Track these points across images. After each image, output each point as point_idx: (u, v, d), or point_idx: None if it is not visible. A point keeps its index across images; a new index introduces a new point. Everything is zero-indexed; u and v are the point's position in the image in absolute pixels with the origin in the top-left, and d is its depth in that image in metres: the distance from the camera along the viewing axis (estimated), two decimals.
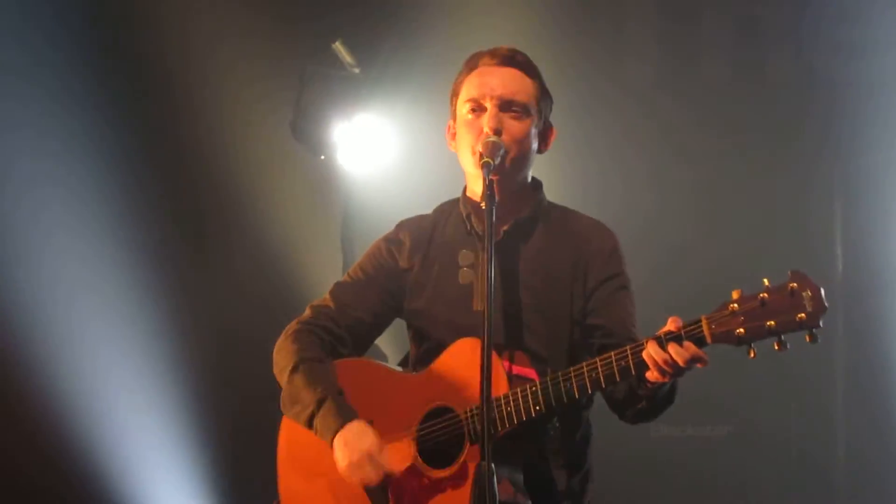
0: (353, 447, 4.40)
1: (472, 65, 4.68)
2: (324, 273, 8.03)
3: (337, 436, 4.43)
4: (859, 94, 8.22)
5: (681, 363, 3.91)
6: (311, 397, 4.54)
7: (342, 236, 8.51)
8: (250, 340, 7.06)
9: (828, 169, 8.52)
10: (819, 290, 3.77)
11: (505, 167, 4.49)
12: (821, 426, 8.31)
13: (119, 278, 7.87)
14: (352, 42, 8.43)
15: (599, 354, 4.28)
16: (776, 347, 3.82)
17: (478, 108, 4.57)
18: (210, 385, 8.08)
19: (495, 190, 4.36)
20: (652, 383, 4.09)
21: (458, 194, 4.81)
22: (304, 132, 8.39)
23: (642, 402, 4.26)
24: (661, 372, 3.96)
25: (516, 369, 4.35)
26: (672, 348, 3.93)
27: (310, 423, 4.53)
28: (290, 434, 4.75)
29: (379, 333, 4.90)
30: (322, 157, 8.50)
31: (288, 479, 4.76)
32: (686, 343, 3.93)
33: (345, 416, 4.47)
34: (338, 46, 8.37)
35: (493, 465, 3.86)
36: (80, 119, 7.77)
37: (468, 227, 4.67)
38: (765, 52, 8.65)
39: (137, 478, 7.82)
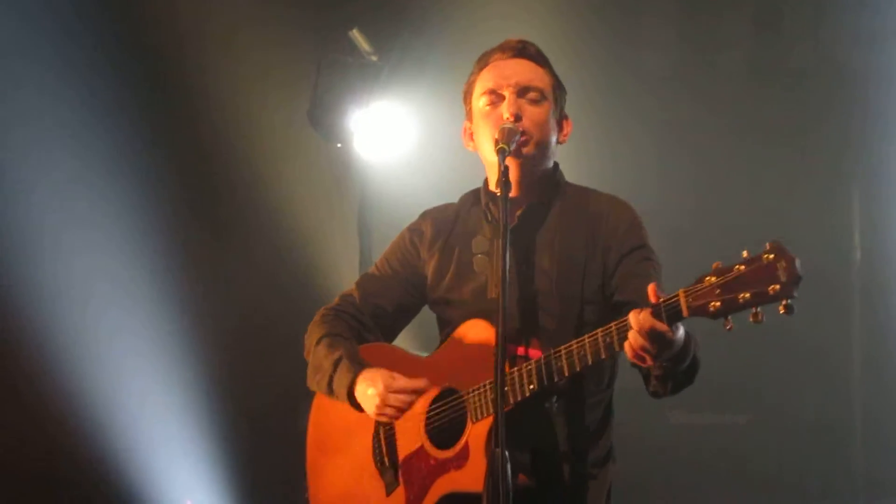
0: (375, 386, 4.47)
1: (483, 62, 4.68)
2: (341, 261, 8.04)
3: (356, 389, 4.52)
4: (879, 83, 8.20)
5: (647, 331, 3.85)
6: (328, 362, 4.62)
7: (359, 224, 8.50)
8: (269, 328, 7.10)
9: (846, 159, 8.51)
10: (794, 260, 3.64)
11: (526, 152, 4.49)
12: (840, 413, 8.31)
13: (137, 269, 7.89)
14: (369, 30, 8.42)
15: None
16: (751, 319, 3.71)
17: (496, 99, 4.57)
18: (229, 373, 8.09)
19: (515, 174, 4.39)
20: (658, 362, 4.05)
21: (475, 183, 4.82)
22: (321, 120, 8.38)
23: (654, 380, 4.21)
24: (635, 347, 3.92)
25: (531, 352, 4.34)
26: (643, 317, 3.87)
27: (330, 388, 4.62)
28: (317, 421, 4.86)
29: (406, 322, 4.95)
30: (339, 145, 8.50)
31: (314, 465, 4.86)
32: (648, 317, 3.87)
33: (356, 368, 4.55)
34: (355, 34, 8.37)
35: (506, 453, 3.86)
36: (97, 109, 7.77)
37: (488, 216, 4.67)
38: (784, 43, 8.64)
39: (156, 470, 7.84)
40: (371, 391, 4.47)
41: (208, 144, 8.30)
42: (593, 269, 4.52)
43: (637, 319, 3.88)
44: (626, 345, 3.94)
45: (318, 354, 4.69)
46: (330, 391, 4.61)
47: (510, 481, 3.86)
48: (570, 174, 4.78)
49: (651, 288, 3.89)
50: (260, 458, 7.87)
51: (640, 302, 4.21)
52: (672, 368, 4.10)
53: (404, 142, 8.52)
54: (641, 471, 7.86)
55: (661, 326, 3.86)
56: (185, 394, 7.98)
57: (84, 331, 7.67)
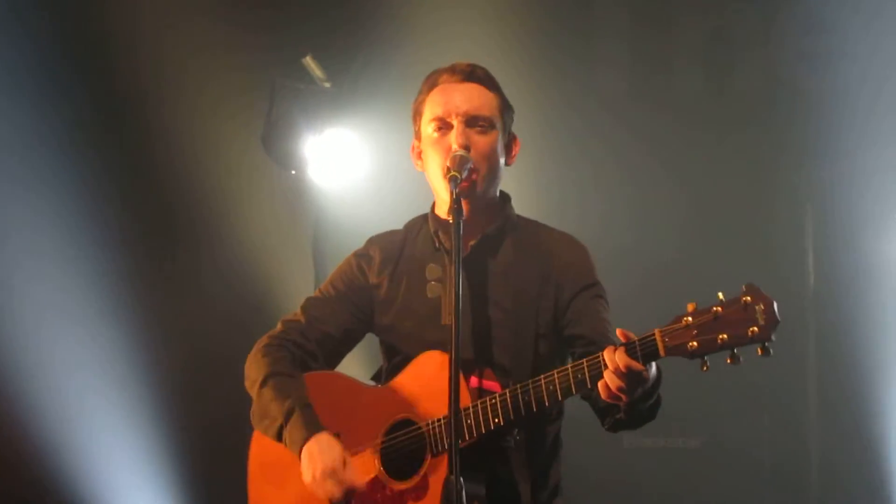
0: (317, 462, 4.41)
1: (432, 83, 4.67)
2: (295, 287, 8.02)
3: (304, 448, 4.45)
4: (827, 103, 8.24)
5: (623, 369, 3.88)
6: (279, 410, 4.55)
7: (314, 251, 8.50)
8: (221, 355, 7.04)
9: (798, 177, 8.54)
10: (772, 304, 3.73)
11: (476, 185, 4.50)
12: (793, 437, 8.32)
13: (88, 294, 7.83)
14: (322, 56, 8.42)
15: None
16: (728, 361, 3.79)
17: (444, 126, 4.57)
18: (181, 400, 8.04)
19: (465, 205, 4.38)
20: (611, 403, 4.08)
21: (428, 208, 4.81)
22: (275, 146, 8.37)
23: (620, 412, 4.23)
24: (615, 385, 3.94)
25: (485, 383, 4.34)
26: (619, 356, 3.90)
27: (279, 436, 4.56)
28: (261, 448, 4.77)
29: (350, 348, 4.91)
30: (293, 172, 8.49)
31: (258, 492, 4.78)
32: (623, 356, 3.90)
33: (311, 428, 4.48)
34: (308, 61, 8.37)
35: (461, 480, 3.86)
36: (49, 133, 7.72)
37: (436, 244, 4.67)
38: (734, 61, 8.68)
39: (108, 495, 7.78)
40: (312, 466, 4.42)
41: (161, 170, 8.25)
42: (545, 305, 4.55)
43: (612, 358, 3.91)
44: (602, 384, 3.96)
45: (264, 397, 4.62)
46: (278, 439, 4.57)
47: None
48: (532, 197, 4.81)
49: (620, 332, 3.94)
50: (213, 482, 7.84)
51: (591, 336, 4.32)
52: (639, 404, 4.12)
53: (358, 168, 8.52)
54: (596, 494, 7.87)
55: (637, 365, 3.89)
56: (139, 420, 7.93)
57: (37, 360, 7.60)
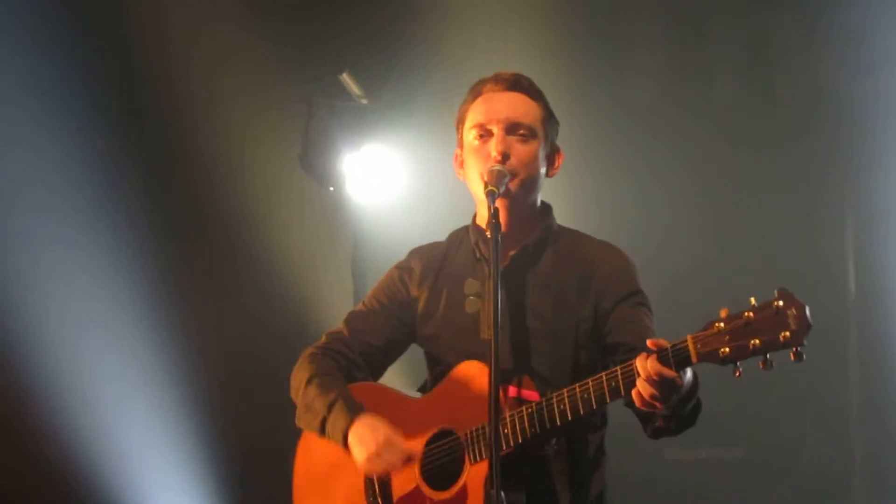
0: (367, 441, 4.43)
1: (476, 92, 4.69)
2: (335, 304, 8.03)
3: (349, 433, 4.47)
4: (867, 111, 8.20)
5: (654, 376, 3.87)
6: (322, 403, 4.58)
7: (353, 267, 8.52)
8: (259, 370, 7.08)
9: (839, 186, 8.50)
10: (804, 308, 3.69)
11: (512, 191, 4.50)
12: (837, 446, 8.26)
13: (128, 312, 7.85)
14: (359, 73, 8.44)
15: None
16: (761, 366, 3.77)
17: (485, 134, 4.58)
18: (220, 414, 8.05)
19: (504, 213, 4.39)
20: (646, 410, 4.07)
21: (467, 222, 4.82)
22: (313, 164, 8.40)
23: (659, 419, 4.23)
24: (647, 392, 3.94)
25: (525, 393, 4.34)
26: (650, 363, 3.89)
27: (322, 429, 4.58)
28: (306, 457, 4.81)
29: (393, 359, 4.93)
30: (331, 189, 8.51)
31: (302, 493, 4.82)
32: (655, 363, 3.89)
33: (353, 411, 4.51)
34: (345, 77, 8.40)
35: (502, 494, 3.85)
36: (88, 149, 7.75)
37: (477, 254, 4.68)
38: (772, 70, 8.64)
39: (141, 496, 7.81)
40: (369, 438, 4.44)
41: (199, 187, 8.27)
42: (585, 315, 4.54)
43: (644, 366, 3.90)
44: (635, 392, 3.96)
45: (308, 394, 4.65)
46: (322, 432, 4.58)
47: None
48: (568, 207, 4.80)
49: (651, 341, 3.92)
50: (254, 496, 7.85)
51: (634, 343, 4.30)
52: (678, 410, 4.11)
53: (396, 184, 8.54)
54: None
55: (670, 372, 3.88)
56: (180, 436, 7.95)
57: (78, 377, 7.63)
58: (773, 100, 8.62)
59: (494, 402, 3.97)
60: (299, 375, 4.76)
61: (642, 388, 3.92)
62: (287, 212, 8.45)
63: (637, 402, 3.98)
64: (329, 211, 8.64)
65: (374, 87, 8.56)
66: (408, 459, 4.42)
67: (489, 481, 3.92)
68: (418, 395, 4.80)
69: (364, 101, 8.52)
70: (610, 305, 4.54)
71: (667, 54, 8.79)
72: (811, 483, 8.21)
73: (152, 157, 8.15)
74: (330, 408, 4.56)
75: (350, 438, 4.48)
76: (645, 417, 4.32)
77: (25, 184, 7.63)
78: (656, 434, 4.34)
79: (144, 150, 8.11)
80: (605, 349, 4.54)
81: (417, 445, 4.47)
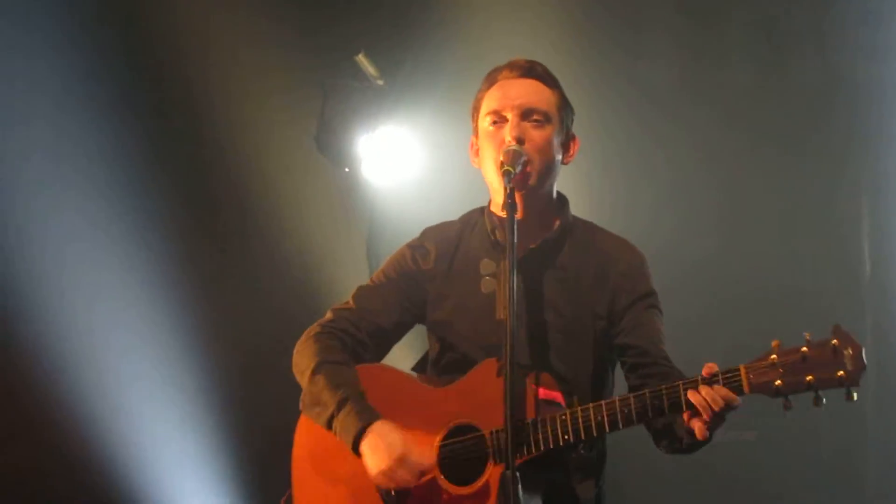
0: (381, 453, 4.39)
1: (491, 80, 4.70)
2: (350, 285, 7.88)
3: (363, 442, 4.43)
4: (883, 96, 8.19)
5: (714, 407, 3.91)
6: (332, 398, 4.54)
7: (368, 248, 8.53)
8: (273, 351, 7.06)
9: (854, 171, 8.49)
10: (860, 349, 3.80)
11: (529, 178, 4.51)
12: (850, 428, 8.26)
13: (142, 291, 7.85)
14: (374, 54, 8.44)
15: (630, 373, 4.42)
16: (814, 404, 3.87)
17: (499, 120, 4.59)
18: (235, 396, 8.06)
19: (519, 202, 4.40)
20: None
21: (482, 204, 4.83)
22: (328, 145, 8.41)
23: (680, 443, 4.29)
24: (705, 421, 3.98)
25: (542, 392, 4.32)
26: (707, 393, 3.94)
27: (329, 425, 4.54)
28: (309, 437, 4.75)
29: (400, 338, 4.92)
30: (346, 170, 8.52)
31: (304, 482, 4.76)
32: (721, 389, 3.95)
33: (366, 418, 4.47)
34: (361, 59, 8.39)
35: (517, 474, 3.86)
36: (103, 131, 7.73)
37: (493, 241, 4.68)
38: (787, 55, 8.61)
39: (161, 486, 7.83)
40: (384, 454, 4.38)
41: (215, 169, 8.27)
42: (600, 311, 4.57)
43: (697, 398, 3.97)
44: (698, 422, 4.00)
45: (317, 384, 4.60)
46: (329, 428, 4.54)
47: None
48: (583, 194, 4.80)
49: (707, 367, 3.99)
50: (267, 476, 7.85)
51: (644, 346, 4.40)
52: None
53: (411, 165, 8.55)
54: (651, 488, 7.86)
55: (736, 399, 3.97)
56: (194, 415, 7.96)
57: (91, 353, 7.63)
58: (787, 84, 8.59)
59: (509, 385, 3.97)
60: (305, 358, 4.72)
61: (706, 414, 3.98)
62: (303, 193, 8.44)
63: (699, 434, 4.03)
64: (344, 192, 8.65)
65: (389, 69, 8.55)
66: (420, 475, 4.39)
67: (508, 477, 3.92)
68: (414, 374, 4.80)
69: (380, 83, 8.51)
70: (624, 305, 4.57)
71: (681, 39, 8.76)
72: (824, 467, 8.22)
73: (168, 140, 8.14)
74: (340, 406, 4.51)
75: (363, 447, 4.43)
76: (660, 433, 4.38)
77: (41, 171, 7.65)
78: (672, 452, 4.41)
79: (159, 134, 8.10)
80: (613, 349, 4.58)
81: (433, 447, 4.44)
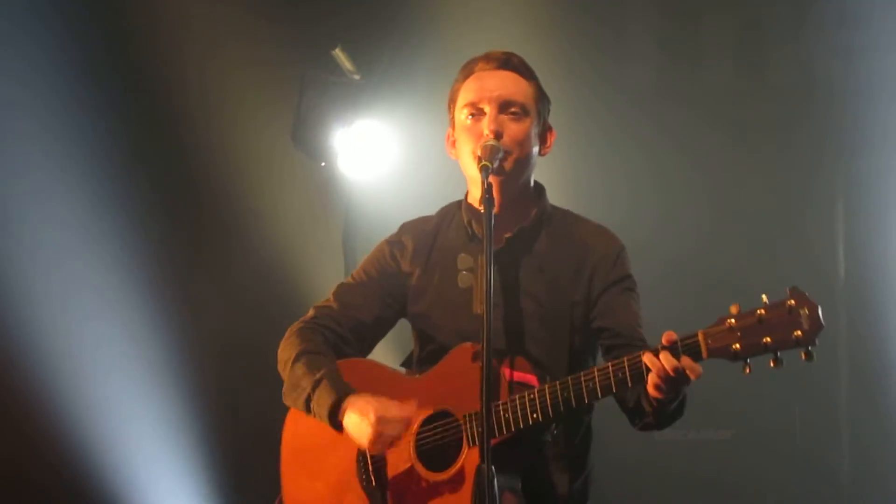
0: (362, 422, 4.40)
1: (467, 71, 4.70)
2: (326, 279, 7.99)
3: (344, 418, 4.45)
4: (860, 97, 8.20)
5: (671, 372, 3.90)
6: (309, 381, 4.57)
7: (344, 242, 8.52)
8: (251, 347, 7.05)
9: (830, 172, 8.51)
10: (817, 309, 3.77)
11: (506, 169, 4.51)
12: (825, 428, 8.29)
13: (118, 284, 7.80)
14: (351, 48, 8.42)
15: (606, 356, 4.43)
16: (772, 364, 3.82)
17: (476, 113, 4.59)
18: (211, 391, 8.03)
19: (497, 193, 4.41)
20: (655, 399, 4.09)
21: (459, 198, 4.83)
22: (305, 139, 8.38)
23: (648, 415, 4.27)
24: (657, 385, 3.96)
25: (517, 375, 4.34)
26: (664, 357, 3.92)
27: (307, 406, 4.57)
28: (294, 433, 4.80)
29: (383, 334, 4.94)
30: (323, 164, 8.50)
31: (290, 477, 4.80)
32: (686, 359, 3.93)
33: (339, 390, 4.50)
34: (337, 53, 8.38)
35: (493, 468, 3.84)
36: (77, 125, 7.69)
37: (470, 233, 4.68)
38: (766, 56, 8.62)
39: (139, 484, 7.79)
40: (364, 422, 4.40)
41: (190, 162, 8.23)
42: (579, 298, 4.57)
43: (654, 360, 3.94)
44: (651, 386, 3.99)
45: (296, 372, 4.63)
46: (307, 409, 4.57)
47: (497, 498, 3.85)
48: (559, 188, 4.80)
49: (667, 335, 3.96)
50: (248, 473, 7.82)
51: (619, 329, 4.42)
52: (664, 407, 4.18)
53: (388, 160, 8.53)
54: (626, 486, 7.87)
55: (685, 365, 3.91)
56: (170, 410, 7.92)
57: (67, 348, 7.58)
58: (764, 85, 8.61)
59: (486, 377, 3.96)
60: (287, 351, 4.75)
61: (652, 381, 3.95)
62: (279, 186, 8.42)
63: (651, 394, 4.02)
64: (321, 186, 8.63)
65: (366, 63, 8.53)
66: (406, 424, 4.42)
67: (482, 458, 3.90)
68: (402, 370, 4.81)
69: (356, 77, 8.49)
70: (600, 289, 4.57)
71: (659, 38, 8.77)
72: (800, 465, 8.23)
73: (142, 131, 8.10)
74: (315, 385, 4.54)
75: (346, 422, 4.46)
76: (633, 412, 4.38)
77: (22, 164, 7.61)
78: (644, 428, 4.40)
79: (134, 125, 8.05)
80: (591, 333, 4.58)
81: (409, 435, 4.45)
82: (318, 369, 4.59)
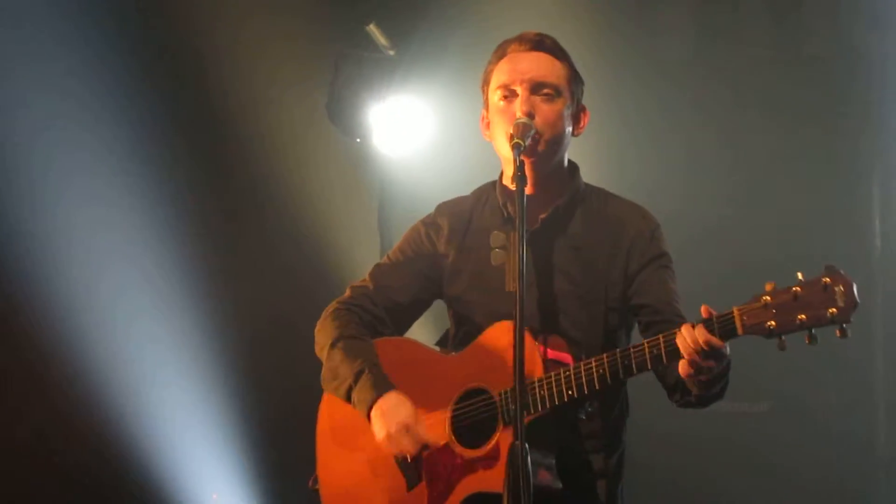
0: (390, 418, 4.45)
1: (500, 53, 4.70)
2: (361, 256, 8.05)
3: (374, 407, 4.50)
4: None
5: (704, 346, 3.92)
6: (349, 371, 4.60)
7: (379, 219, 8.54)
8: (288, 324, 7.10)
9: (865, 143, 8.46)
10: (852, 286, 3.78)
11: (539, 150, 4.52)
12: (861, 400, 8.27)
13: (156, 266, 7.87)
14: (385, 24, 8.43)
15: (645, 332, 4.43)
16: (807, 341, 3.84)
17: (509, 94, 4.60)
18: (249, 369, 8.07)
19: (530, 173, 4.43)
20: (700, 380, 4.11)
21: (494, 176, 4.84)
22: (340, 115, 8.40)
23: (690, 394, 4.30)
24: (692, 362, 3.98)
25: (551, 353, 4.36)
26: (699, 331, 3.94)
27: (348, 397, 4.61)
28: (330, 411, 4.83)
29: (419, 315, 4.97)
30: (358, 140, 8.52)
31: (326, 454, 4.84)
32: (703, 332, 3.95)
33: (381, 387, 4.53)
34: (372, 29, 8.38)
35: (526, 445, 3.86)
36: (115, 105, 7.73)
37: (505, 215, 4.70)
38: (803, 28, 8.58)
39: (182, 465, 7.85)
40: (388, 420, 4.45)
41: (226, 140, 8.28)
42: (615, 277, 4.59)
43: (692, 335, 3.96)
44: (683, 362, 4.01)
45: (334, 359, 4.68)
46: (347, 399, 4.62)
47: (531, 474, 3.87)
48: (591, 164, 4.81)
49: (704, 308, 3.97)
50: (284, 452, 7.88)
51: (657, 305, 4.41)
52: (708, 387, 4.19)
53: (423, 136, 8.53)
54: (662, 459, 7.87)
55: (717, 342, 3.94)
56: (208, 389, 7.97)
57: (111, 331, 7.67)
58: (800, 58, 8.57)
59: (519, 353, 3.97)
60: (324, 334, 4.78)
61: (689, 355, 3.98)
62: (314, 163, 8.44)
63: (683, 371, 4.03)
64: (355, 162, 8.65)
65: (401, 39, 8.53)
66: (422, 447, 4.44)
67: (516, 436, 3.91)
68: (437, 349, 4.83)
69: (391, 53, 8.50)
70: (637, 267, 4.59)
71: (695, 13, 8.74)
72: (835, 439, 8.22)
73: (179, 109, 8.14)
74: (357, 377, 4.58)
75: (374, 412, 4.50)
76: (672, 387, 4.40)
77: (52, 143, 7.66)
78: (684, 405, 4.43)
79: (170, 104, 8.10)
80: (628, 310, 4.60)
81: (445, 413, 4.49)
82: (356, 357, 4.62)
